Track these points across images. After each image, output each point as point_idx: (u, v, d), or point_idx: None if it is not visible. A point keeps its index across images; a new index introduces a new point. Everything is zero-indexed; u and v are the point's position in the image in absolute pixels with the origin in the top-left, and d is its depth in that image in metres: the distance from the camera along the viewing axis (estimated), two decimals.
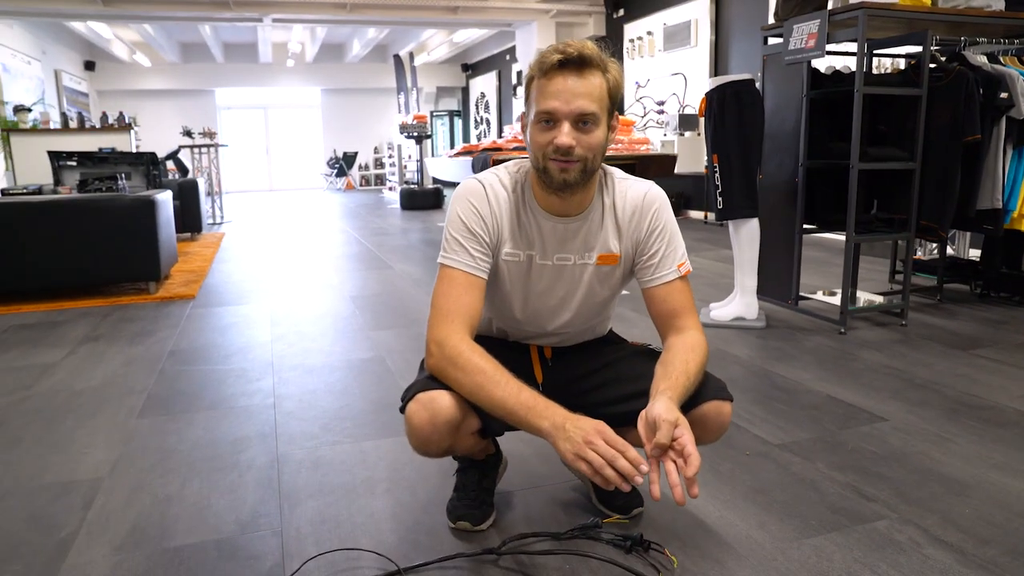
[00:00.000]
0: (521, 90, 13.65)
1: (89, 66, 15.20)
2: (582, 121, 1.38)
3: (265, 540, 1.65)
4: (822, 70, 3.61)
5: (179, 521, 1.75)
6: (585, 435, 1.26)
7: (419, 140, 12.04)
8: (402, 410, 1.48)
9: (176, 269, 5.55)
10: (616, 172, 1.58)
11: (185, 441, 2.26)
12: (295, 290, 4.77)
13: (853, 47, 3.35)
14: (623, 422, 1.53)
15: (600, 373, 1.63)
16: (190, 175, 9.43)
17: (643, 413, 1.33)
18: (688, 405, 1.42)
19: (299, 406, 2.56)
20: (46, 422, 2.44)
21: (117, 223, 4.38)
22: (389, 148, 17.79)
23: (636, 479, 1.23)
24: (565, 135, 1.38)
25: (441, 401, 1.43)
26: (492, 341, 1.69)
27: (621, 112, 10.16)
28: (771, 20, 3.73)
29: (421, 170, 12.29)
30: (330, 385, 2.79)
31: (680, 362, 1.42)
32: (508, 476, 1.89)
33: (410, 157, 13.62)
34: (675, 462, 1.27)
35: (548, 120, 1.39)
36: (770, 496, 1.82)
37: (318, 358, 3.17)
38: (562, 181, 1.42)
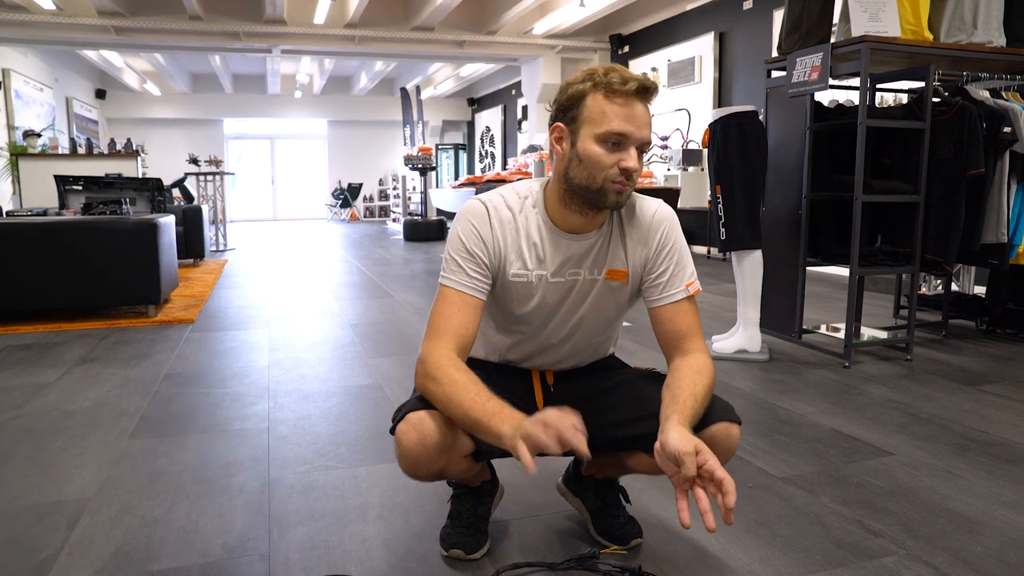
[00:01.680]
0: (526, 124, 13.82)
1: (100, 94, 15.41)
2: (641, 149, 1.41)
3: (252, 565, 1.60)
4: (825, 103, 3.62)
5: (165, 544, 1.70)
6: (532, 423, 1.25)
7: (423, 172, 12.12)
8: (392, 431, 1.44)
9: (177, 294, 5.53)
10: None
11: (176, 463, 2.21)
12: (295, 317, 4.74)
13: (856, 81, 3.36)
14: (627, 446, 1.49)
15: (603, 397, 1.59)
16: (195, 202, 9.48)
17: (658, 445, 1.27)
18: (696, 428, 1.38)
19: (293, 431, 2.52)
20: (36, 442, 2.40)
21: (118, 246, 4.38)
22: (394, 180, 17.92)
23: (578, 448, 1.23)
24: (634, 159, 1.39)
25: (431, 421, 1.39)
26: (493, 367, 1.65)
27: None
28: (774, 56, 3.75)
29: (425, 201, 12.35)
30: (326, 411, 2.75)
31: (688, 385, 1.38)
32: (504, 504, 1.84)
33: (414, 189, 13.70)
34: (705, 489, 1.21)
35: (617, 142, 1.39)
36: (773, 530, 1.77)
37: (315, 384, 3.13)
38: (616, 203, 1.43)
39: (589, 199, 1.43)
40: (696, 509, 1.23)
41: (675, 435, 1.24)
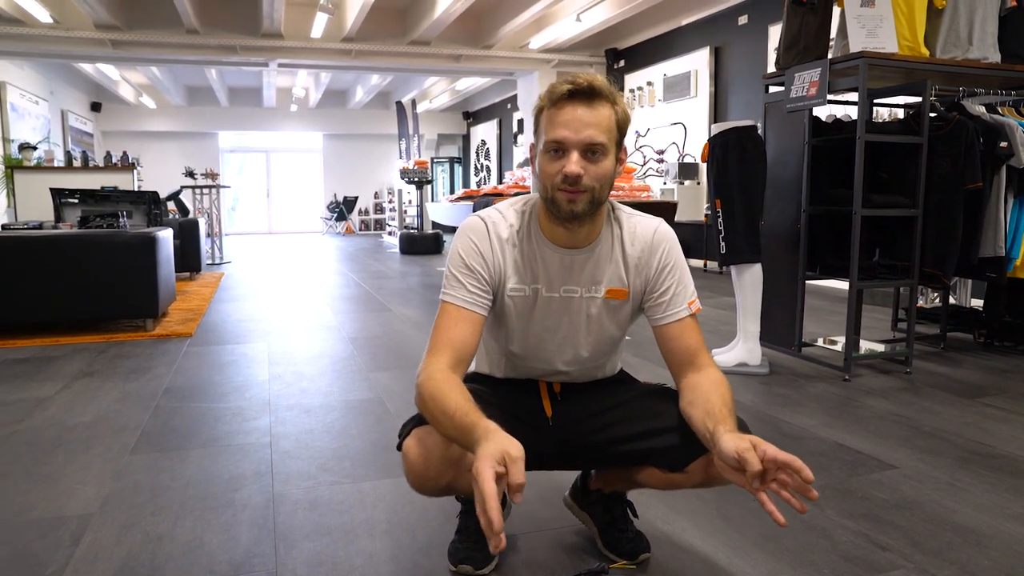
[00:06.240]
0: (522, 138, 13.90)
1: (95, 107, 15.40)
2: (591, 151, 1.37)
3: None
4: (823, 118, 3.65)
5: (170, 560, 1.68)
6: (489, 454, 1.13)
7: (419, 185, 12.14)
8: (399, 447, 1.44)
9: (174, 307, 5.52)
10: (624, 208, 1.57)
11: (179, 479, 2.20)
12: (293, 330, 4.73)
13: (853, 96, 3.39)
14: (639, 460, 1.49)
15: (613, 411, 1.58)
16: (191, 215, 9.46)
17: (719, 462, 1.26)
18: None
19: (296, 445, 2.51)
20: (36, 457, 2.38)
21: (116, 259, 4.37)
22: (389, 193, 17.91)
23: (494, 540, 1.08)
24: (574, 163, 1.36)
25: (435, 436, 1.38)
26: (500, 381, 1.65)
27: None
28: (770, 71, 3.78)
29: (421, 215, 12.35)
30: (328, 425, 2.74)
31: (716, 397, 1.38)
32: (511, 519, 1.83)
33: (410, 202, 13.70)
34: (777, 479, 1.19)
35: (557, 149, 1.38)
36: (781, 544, 1.77)
37: (316, 398, 3.12)
38: (570, 212, 1.41)
39: (552, 211, 1.44)
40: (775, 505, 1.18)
41: (726, 440, 1.24)
